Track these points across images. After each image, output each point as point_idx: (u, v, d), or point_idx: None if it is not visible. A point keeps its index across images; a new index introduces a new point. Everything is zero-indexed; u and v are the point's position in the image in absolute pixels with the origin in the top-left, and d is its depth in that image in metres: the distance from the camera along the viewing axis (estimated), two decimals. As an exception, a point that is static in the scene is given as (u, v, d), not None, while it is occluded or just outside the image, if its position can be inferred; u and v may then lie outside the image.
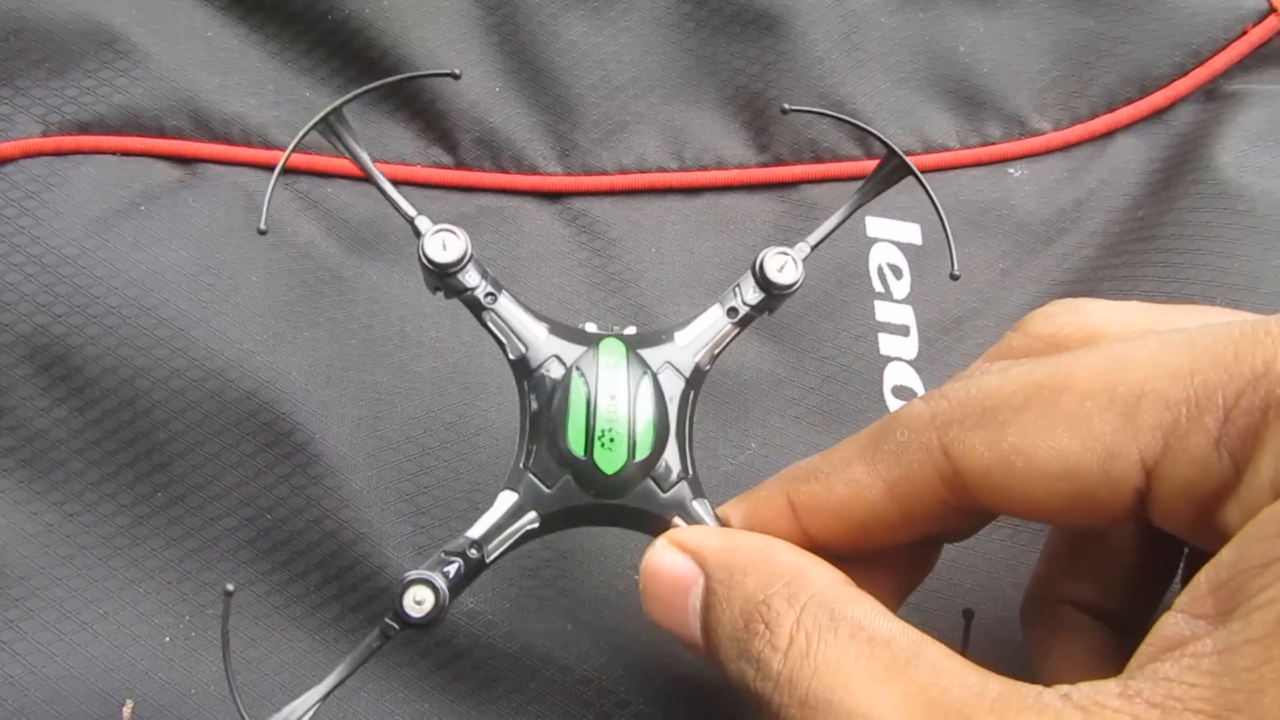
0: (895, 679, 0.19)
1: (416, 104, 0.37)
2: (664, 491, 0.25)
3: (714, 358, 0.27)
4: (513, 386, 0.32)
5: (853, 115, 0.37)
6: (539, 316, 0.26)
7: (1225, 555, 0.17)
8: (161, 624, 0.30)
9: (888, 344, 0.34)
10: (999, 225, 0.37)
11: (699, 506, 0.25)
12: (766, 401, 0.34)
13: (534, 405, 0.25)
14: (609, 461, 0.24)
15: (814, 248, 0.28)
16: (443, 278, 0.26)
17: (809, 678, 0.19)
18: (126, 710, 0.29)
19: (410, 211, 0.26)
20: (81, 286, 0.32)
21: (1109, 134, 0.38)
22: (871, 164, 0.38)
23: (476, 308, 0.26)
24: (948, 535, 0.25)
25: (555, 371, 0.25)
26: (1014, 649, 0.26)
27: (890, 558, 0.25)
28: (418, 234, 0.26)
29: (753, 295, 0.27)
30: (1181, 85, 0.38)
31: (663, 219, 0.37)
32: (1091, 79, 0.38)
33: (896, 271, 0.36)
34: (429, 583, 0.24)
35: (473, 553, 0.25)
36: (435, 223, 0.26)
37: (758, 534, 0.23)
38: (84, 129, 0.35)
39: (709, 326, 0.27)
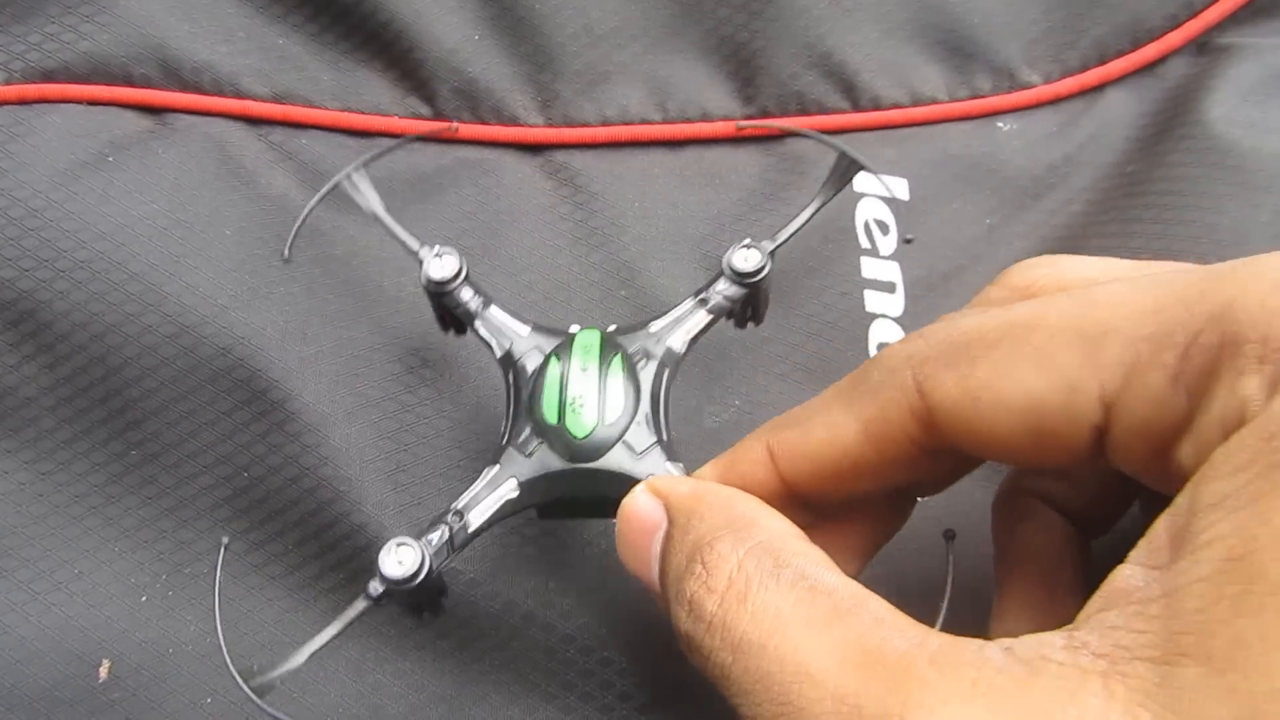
0: (834, 627, 0.18)
1: (393, 51, 0.36)
2: (636, 455, 0.26)
3: (687, 343, 0.28)
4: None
5: (840, 66, 0.37)
6: (523, 320, 0.28)
7: (1180, 500, 0.17)
8: (138, 583, 0.30)
9: (873, 300, 0.34)
10: (987, 180, 0.36)
11: (672, 468, 0.26)
12: (751, 359, 0.33)
13: (515, 390, 0.27)
14: (579, 426, 0.26)
15: (778, 246, 0.29)
16: (440, 295, 0.29)
17: (744, 621, 0.19)
18: (103, 670, 0.29)
19: (414, 245, 0.29)
20: (49, 240, 0.32)
21: (1099, 87, 0.37)
22: (859, 117, 0.37)
23: (469, 318, 0.29)
24: (922, 485, 0.25)
25: (535, 360, 0.27)
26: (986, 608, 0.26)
27: (863, 510, 0.25)
28: (420, 262, 0.29)
29: (723, 286, 0.28)
30: (1174, 38, 0.37)
31: (646, 172, 0.36)
32: (1083, 30, 0.37)
33: (883, 227, 0.35)
34: (409, 544, 0.24)
35: (454, 520, 0.25)
36: (431, 246, 0.29)
37: (726, 486, 0.23)
38: (49, 77, 0.34)
39: (682, 315, 0.28)
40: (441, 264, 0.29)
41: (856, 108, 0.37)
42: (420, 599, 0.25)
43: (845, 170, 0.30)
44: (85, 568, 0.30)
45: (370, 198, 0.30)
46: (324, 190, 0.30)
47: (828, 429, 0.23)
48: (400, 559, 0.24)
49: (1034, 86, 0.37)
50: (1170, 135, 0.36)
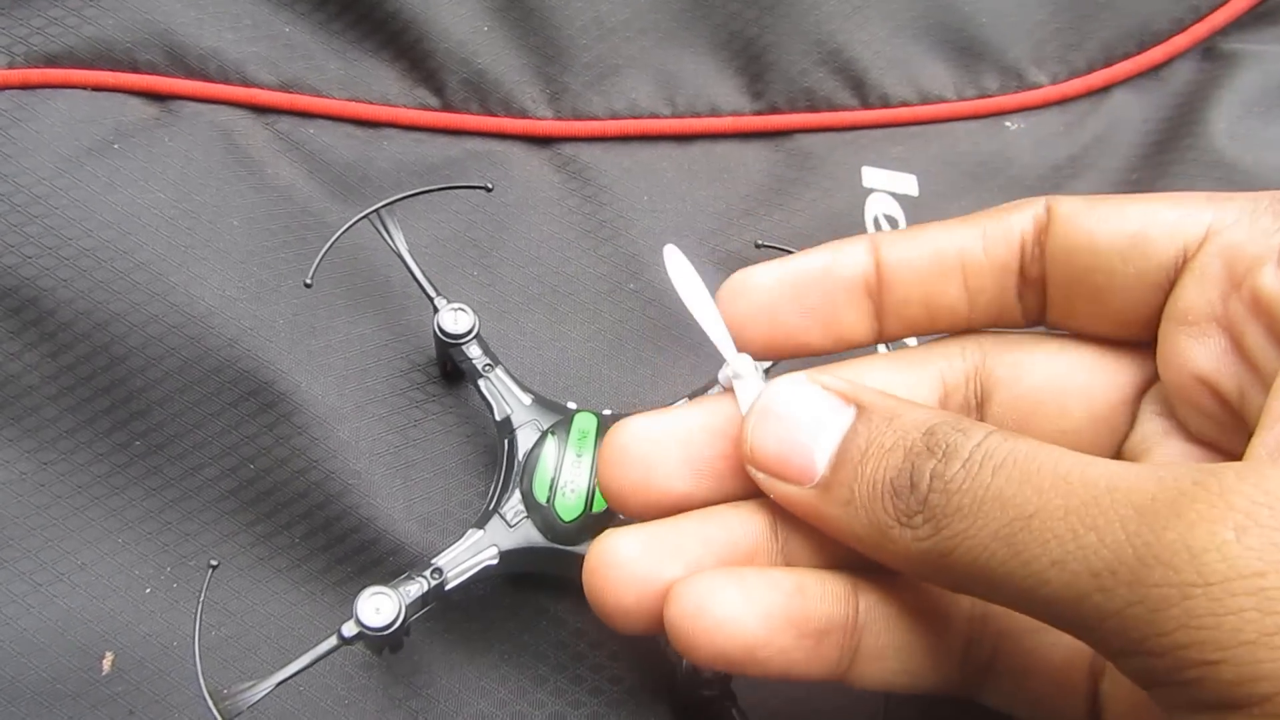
0: (1090, 462, 0.18)
1: (401, 41, 0.36)
2: None
3: None
4: (505, 341, 0.32)
5: (849, 63, 0.37)
6: (526, 389, 0.30)
7: None
8: (142, 575, 0.30)
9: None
10: (994, 179, 0.37)
11: None
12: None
13: (509, 459, 0.28)
14: (567, 510, 0.27)
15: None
16: (450, 347, 0.30)
17: (1007, 450, 0.19)
18: (106, 662, 0.29)
19: (432, 293, 0.30)
20: (53, 227, 0.31)
21: (1106, 89, 0.38)
22: (867, 114, 0.37)
23: (474, 375, 0.30)
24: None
25: (532, 433, 0.29)
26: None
27: None
28: (435, 310, 0.30)
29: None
30: (1180, 41, 0.37)
31: (655, 166, 0.36)
32: (1090, 32, 0.37)
33: (893, 222, 0.35)
34: (386, 594, 0.25)
35: (433, 577, 0.26)
36: (449, 300, 0.30)
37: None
38: (52, 62, 0.34)
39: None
40: (455, 319, 0.30)
41: (865, 105, 0.37)
42: (387, 643, 0.26)
43: None
44: (88, 559, 0.30)
45: (396, 236, 0.31)
46: (350, 223, 0.31)
47: (944, 229, 0.24)
48: (378, 607, 0.25)
49: (1041, 87, 0.38)
50: (1175, 145, 0.36)
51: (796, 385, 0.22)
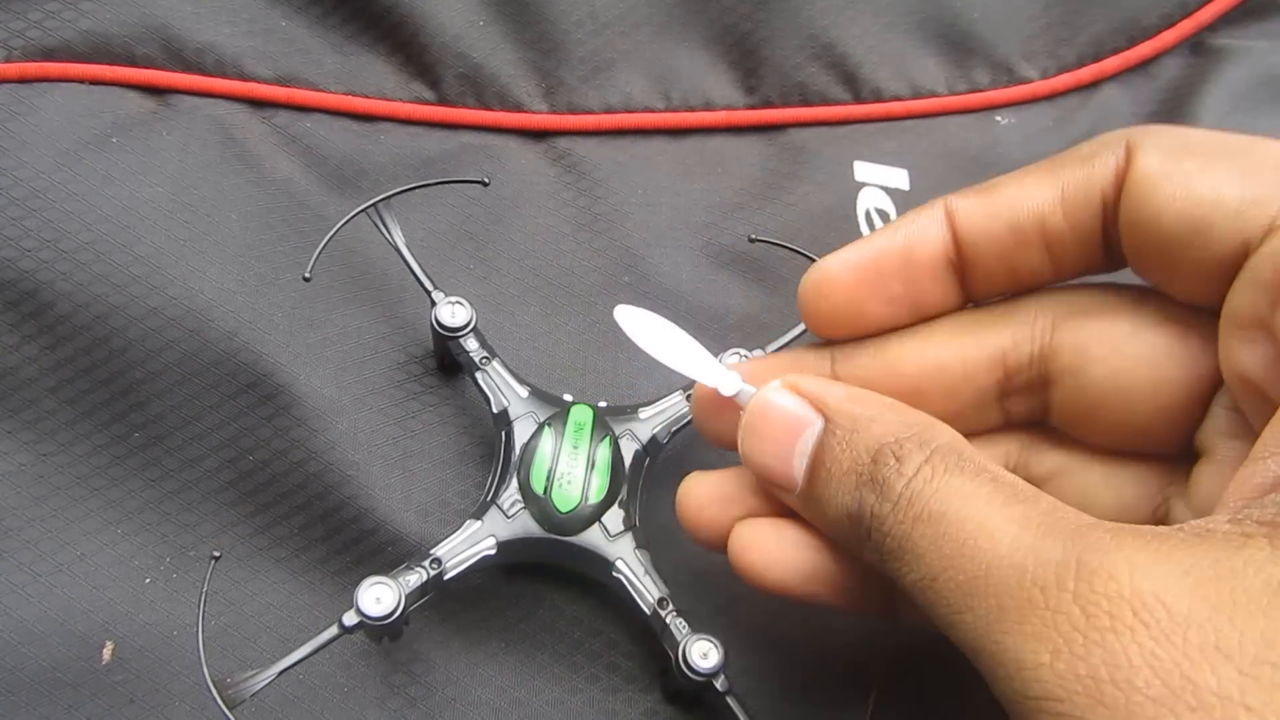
0: (1015, 506, 0.19)
1: (398, 36, 0.36)
2: (609, 537, 0.28)
3: (672, 434, 0.30)
4: (502, 334, 0.33)
5: (842, 58, 0.37)
6: (523, 381, 0.30)
7: None
8: (141, 566, 0.30)
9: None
10: (985, 172, 0.36)
11: (640, 555, 0.28)
12: (751, 344, 0.34)
13: (506, 451, 0.29)
14: (564, 500, 0.28)
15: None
16: (447, 340, 0.30)
17: (929, 496, 0.20)
18: (107, 652, 0.29)
19: (429, 286, 0.31)
20: (51, 220, 0.31)
21: (1095, 83, 0.38)
22: (859, 109, 0.38)
23: (472, 367, 0.30)
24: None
25: (529, 425, 0.29)
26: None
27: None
28: (433, 303, 0.30)
29: None
30: (1169, 36, 0.38)
31: (649, 160, 0.36)
32: (1081, 27, 0.38)
33: (884, 216, 0.36)
34: (387, 584, 0.25)
35: (432, 567, 0.27)
36: (446, 294, 0.30)
37: (880, 395, 0.24)
38: (49, 55, 0.34)
39: (670, 406, 0.30)
40: (453, 312, 0.30)
41: (857, 99, 0.37)
42: (386, 632, 0.26)
43: None
44: (87, 550, 0.30)
45: (393, 230, 0.31)
46: (348, 217, 0.31)
47: (1023, 188, 0.23)
48: (378, 596, 0.25)
49: (1031, 81, 0.38)
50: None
51: (775, 395, 0.24)
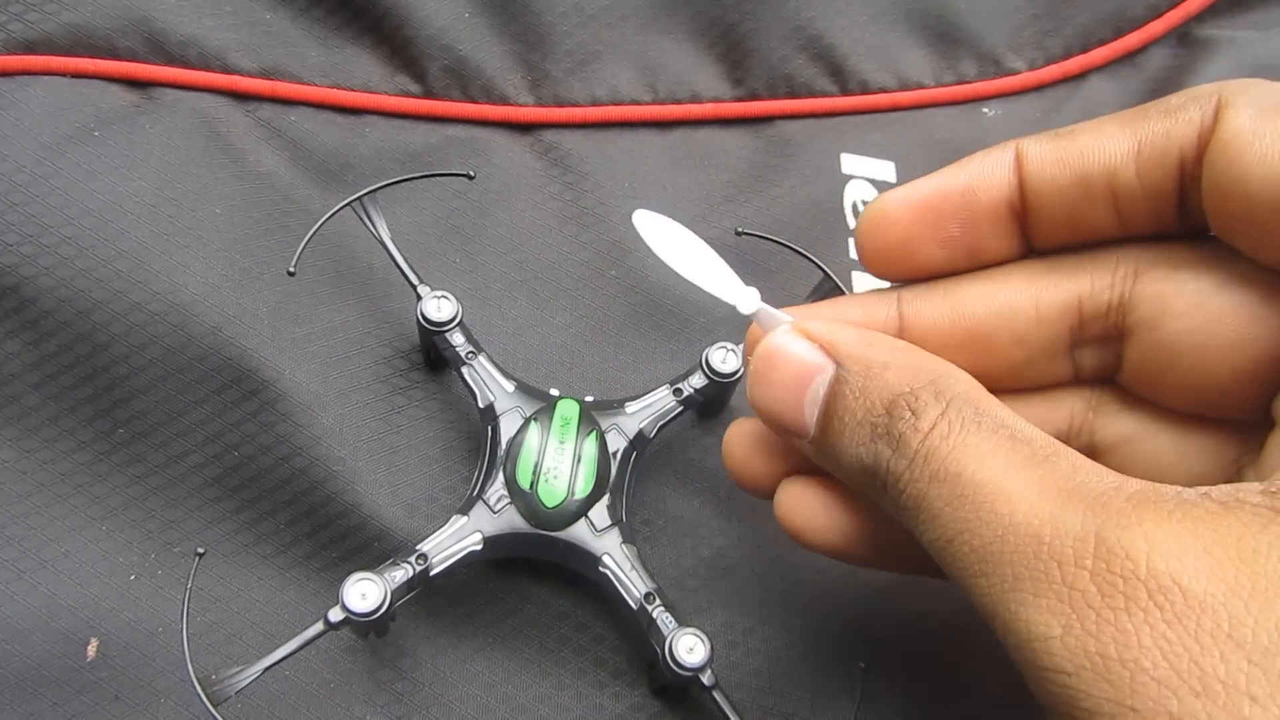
0: (1034, 468, 0.19)
1: (383, 29, 0.35)
2: (596, 532, 0.28)
3: (658, 428, 0.30)
4: (488, 328, 0.32)
5: (829, 50, 0.37)
6: (509, 376, 0.30)
7: None
8: (126, 562, 0.30)
9: (862, 282, 0.34)
10: (972, 165, 0.37)
11: (627, 550, 0.28)
12: (738, 338, 0.34)
13: (492, 446, 0.29)
14: (550, 495, 0.27)
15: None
16: (433, 334, 0.30)
17: (945, 454, 0.20)
18: (91, 649, 0.29)
19: (415, 280, 0.31)
20: (34, 215, 0.31)
21: (1082, 74, 0.38)
22: (847, 101, 0.38)
23: (458, 362, 0.30)
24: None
25: (515, 420, 0.29)
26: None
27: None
28: (418, 298, 0.30)
29: (698, 381, 0.30)
30: (1155, 27, 0.38)
31: (636, 152, 0.36)
32: (1067, 18, 0.38)
33: (872, 210, 0.36)
34: (372, 580, 0.25)
35: (418, 563, 0.26)
36: (432, 288, 0.30)
37: (895, 338, 0.23)
38: (31, 48, 0.33)
39: (656, 401, 0.30)
40: (438, 307, 0.30)
41: (844, 91, 0.37)
42: (372, 628, 0.26)
43: (828, 291, 0.31)
44: (72, 546, 0.30)
45: (379, 224, 0.31)
46: (333, 211, 0.31)
47: (1098, 138, 0.22)
48: (364, 592, 0.25)
49: (1018, 73, 0.38)
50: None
51: (783, 339, 0.23)
